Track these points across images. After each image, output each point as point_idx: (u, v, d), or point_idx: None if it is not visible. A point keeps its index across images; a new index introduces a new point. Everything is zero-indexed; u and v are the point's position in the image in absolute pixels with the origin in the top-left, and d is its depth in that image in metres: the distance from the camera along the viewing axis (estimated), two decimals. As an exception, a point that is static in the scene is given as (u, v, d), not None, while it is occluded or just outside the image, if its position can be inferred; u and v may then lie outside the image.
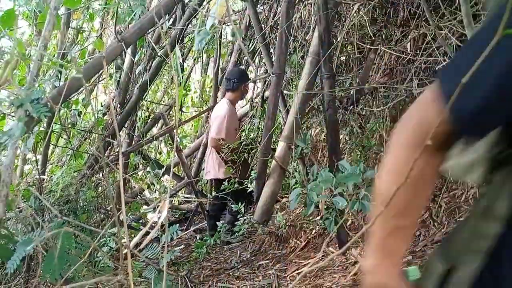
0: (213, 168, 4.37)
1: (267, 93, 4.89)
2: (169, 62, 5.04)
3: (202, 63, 6.82)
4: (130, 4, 3.59)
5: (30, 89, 1.56)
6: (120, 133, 4.92)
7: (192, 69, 7.07)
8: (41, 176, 3.79)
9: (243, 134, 4.70)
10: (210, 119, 4.51)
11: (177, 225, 2.63)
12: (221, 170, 4.29)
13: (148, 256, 2.31)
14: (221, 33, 4.99)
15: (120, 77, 4.86)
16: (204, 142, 5.40)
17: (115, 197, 3.99)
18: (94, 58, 2.77)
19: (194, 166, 5.95)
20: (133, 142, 5.31)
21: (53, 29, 1.86)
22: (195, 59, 6.77)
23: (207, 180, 4.66)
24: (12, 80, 1.56)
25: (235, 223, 4.38)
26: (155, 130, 6.63)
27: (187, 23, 4.27)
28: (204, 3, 4.57)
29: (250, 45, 5.34)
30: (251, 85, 5.52)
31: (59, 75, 3.34)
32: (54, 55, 3.33)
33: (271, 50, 4.44)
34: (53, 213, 3.49)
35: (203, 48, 4.35)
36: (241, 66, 5.72)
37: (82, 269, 2.17)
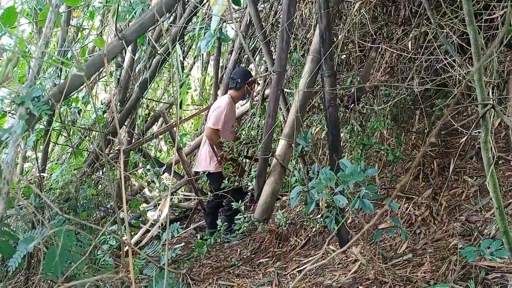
0: (204, 160, 4.34)
1: (267, 91, 4.90)
2: (169, 60, 5.03)
3: (202, 61, 6.82)
4: (130, 2, 3.58)
5: (31, 87, 1.56)
6: (120, 131, 4.91)
7: (192, 67, 7.06)
8: (41, 174, 3.78)
9: (243, 132, 4.69)
10: (209, 112, 4.49)
11: (178, 223, 2.63)
12: (212, 163, 4.27)
13: (149, 254, 2.31)
14: (221, 31, 4.97)
15: (120, 75, 4.86)
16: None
17: (116, 194, 3.98)
18: (95, 56, 2.76)
19: (194, 163, 5.95)
20: (133, 140, 5.31)
21: (54, 27, 1.86)
22: (195, 57, 6.77)
23: (207, 178, 4.66)
24: (13, 77, 1.56)
25: (234, 221, 4.39)
26: (155, 128, 6.63)
27: (187, 20, 4.27)
28: (205, 0, 4.56)
29: (251, 43, 5.33)
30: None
31: (59, 73, 3.33)
32: (54, 53, 3.32)
33: (272, 48, 4.44)
34: (53, 210, 3.49)
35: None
36: (241, 64, 5.72)
37: (82, 267, 2.17)
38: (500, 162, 3.44)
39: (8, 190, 1.50)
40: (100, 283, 2.43)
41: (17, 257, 1.71)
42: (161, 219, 1.53)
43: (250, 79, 4.32)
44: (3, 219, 1.53)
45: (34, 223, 3.30)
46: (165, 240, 1.66)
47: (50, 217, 3.40)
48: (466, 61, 2.93)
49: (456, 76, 2.98)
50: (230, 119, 4.27)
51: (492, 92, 2.85)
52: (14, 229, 3.10)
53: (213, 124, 4.13)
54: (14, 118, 2.07)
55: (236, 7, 5.22)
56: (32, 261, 3.42)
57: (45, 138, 3.86)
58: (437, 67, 3.28)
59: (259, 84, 4.86)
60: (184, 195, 6.17)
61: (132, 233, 4.35)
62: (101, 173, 4.75)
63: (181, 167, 5.76)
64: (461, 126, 3.27)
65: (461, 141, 3.45)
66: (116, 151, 4.47)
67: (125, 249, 1.47)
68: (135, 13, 3.12)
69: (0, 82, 1.56)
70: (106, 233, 2.68)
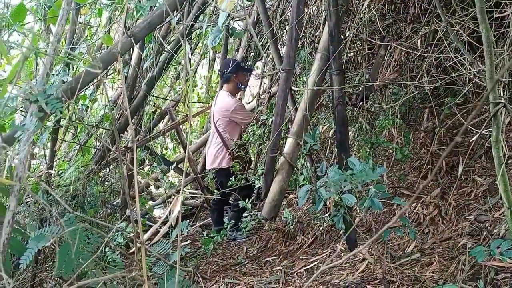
0: (216, 157, 4.37)
1: (273, 89, 4.88)
2: (176, 58, 5.03)
3: (209, 58, 6.81)
4: (139, -1, 3.58)
5: (44, 84, 1.55)
6: (128, 128, 4.92)
7: (198, 65, 7.06)
8: (49, 171, 3.79)
9: (249, 130, 4.70)
10: (213, 111, 4.50)
11: (187, 221, 2.63)
12: (224, 159, 4.31)
13: (158, 252, 2.31)
14: (228, 28, 4.96)
15: (127, 73, 4.86)
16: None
17: (126, 191, 3.99)
18: (104, 53, 2.76)
19: (200, 161, 5.95)
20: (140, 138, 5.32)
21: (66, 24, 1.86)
22: (202, 55, 6.76)
23: (213, 175, 4.67)
24: (25, 75, 1.56)
25: (241, 219, 4.39)
26: (161, 126, 6.63)
27: (195, 17, 4.26)
28: (212, -2, 4.54)
29: (258, 41, 5.31)
30: (257, 81, 5.51)
31: (67, 70, 3.33)
32: (62, 50, 3.32)
33: (279, 46, 4.42)
34: (61, 207, 3.50)
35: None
36: (248, 62, 5.70)
37: (92, 265, 2.17)
38: (510, 161, 3.42)
39: (20, 188, 1.50)
40: (107, 280, 2.43)
41: (28, 254, 1.72)
42: (171, 218, 1.53)
43: (239, 70, 4.32)
44: (14, 216, 1.53)
45: (42, 220, 3.31)
46: (175, 237, 1.65)
47: (58, 214, 3.41)
48: (477, 59, 2.91)
49: (466, 74, 2.95)
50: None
51: (503, 91, 2.83)
52: (22, 225, 3.11)
53: (246, 120, 4.37)
54: (24, 116, 2.07)
55: (244, 4, 5.20)
56: (40, 257, 3.44)
57: (52, 135, 3.87)
58: (447, 65, 3.26)
59: (250, 71, 4.83)
60: (190, 193, 6.18)
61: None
62: (108, 170, 4.76)
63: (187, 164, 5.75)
64: (471, 125, 3.24)
65: (471, 140, 3.42)
66: (123, 148, 4.48)
67: (137, 246, 1.47)
68: (144, 10, 3.11)
69: (13, 79, 1.56)
70: (117, 230, 2.69)
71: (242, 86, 4.54)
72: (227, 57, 5.17)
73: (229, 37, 4.91)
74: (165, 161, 5.19)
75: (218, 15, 3.38)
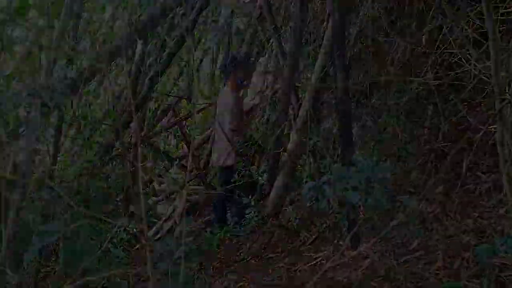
0: (224, 155, 4.37)
1: (277, 85, 4.87)
2: (179, 54, 5.01)
3: (213, 55, 6.79)
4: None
5: (48, 80, 1.55)
6: (131, 124, 4.91)
7: (201, 61, 7.05)
8: (53, 166, 3.80)
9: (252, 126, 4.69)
10: (218, 107, 4.48)
11: (191, 216, 2.64)
12: (230, 157, 4.30)
13: (161, 248, 2.31)
14: (231, 24, 4.95)
15: (131, 68, 4.85)
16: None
17: (127, 188, 4.00)
18: (108, 48, 2.76)
19: (203, 158, 5.95)
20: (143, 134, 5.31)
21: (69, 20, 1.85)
22: (205, 51, 6.76)
23: (218, 172, 4.66)
24: (30, 69, 1.56)
25: (245, 215, 4.39)
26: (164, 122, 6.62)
27: (198, 13, 4.25)
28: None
29: (262, 38, 5.29)
30: (260, 77, 5.49)
31: (71, 65, 3.33)
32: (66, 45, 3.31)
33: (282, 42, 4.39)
34: (64, 203, 3.50)
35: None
36: (250, 58, 5.68)
37: (96, 260, 2.17)
38: (514, 158, 3.39)
39: (25, 183, 1.50)
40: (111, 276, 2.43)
41: (32, 250, 1.71)
42: (176, 214, 1.53)
43: (234, 64, 4.28)
44: (19, 211, 1.53)
45: (46, 216, 3.32)
46: (179, 233, 1.66)
47: (62, 210, 3.41)
48: (482, 55, 2.89)
49: (471, 70, 2.94)
50: (241, 110, 4.34)
51: (509, 87, 2.81)
52: (26, 221, 3.11)
53: (235, 126, 4.21)
54: (28, 111, 2.07)
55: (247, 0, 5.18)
56: (43, 252, 3.44)
57: (61, 131, 3.87)
58: (451, 61, 3.24)
59: (250, 66, 4.80)
60: (192, 189, 6.18)
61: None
62: (112, 166, 4.76)
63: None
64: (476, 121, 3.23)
65: (475, 137, 3.40)
66: (127, 143, 4.49)
67: (138, 243, 1.47)
68: (148, 5, 3.11)
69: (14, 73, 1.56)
70: (118, 226, 2.69)
71: (244, 82, 4.51)
72: (230, 53, 5.16)
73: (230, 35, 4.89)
74: (168, 157, 5.19)
75: (221, 11, 3.37)
